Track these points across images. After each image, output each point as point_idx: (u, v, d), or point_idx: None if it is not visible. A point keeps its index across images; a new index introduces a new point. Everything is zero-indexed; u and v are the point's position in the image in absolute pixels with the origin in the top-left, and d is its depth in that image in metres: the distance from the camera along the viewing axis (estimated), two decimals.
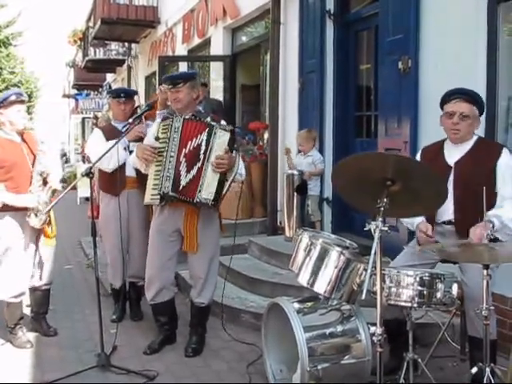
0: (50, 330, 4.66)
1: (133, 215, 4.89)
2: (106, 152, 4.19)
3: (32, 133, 4.62)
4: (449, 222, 3.51)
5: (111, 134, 4.87)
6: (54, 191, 4.36)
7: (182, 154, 4.00)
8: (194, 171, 3.98)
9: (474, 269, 3.10)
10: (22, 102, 4.39)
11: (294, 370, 3.41)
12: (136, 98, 5.30)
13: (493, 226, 3.22)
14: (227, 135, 3.99)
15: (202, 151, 3.98)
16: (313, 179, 6.39)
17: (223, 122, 4.12)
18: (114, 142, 4.34)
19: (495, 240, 3.09)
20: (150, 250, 4.34)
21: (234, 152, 4.03)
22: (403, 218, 3.69)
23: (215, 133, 3.98)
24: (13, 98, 4.31)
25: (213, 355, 4.29)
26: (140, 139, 4.65)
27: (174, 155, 4.00)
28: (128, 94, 5.11)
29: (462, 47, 4.54)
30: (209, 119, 4.12)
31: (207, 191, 3.94)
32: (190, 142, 4.00)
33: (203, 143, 3.98)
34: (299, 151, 6.61)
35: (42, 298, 4.67)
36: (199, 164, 3.98)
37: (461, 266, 3.43)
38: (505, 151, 3.42)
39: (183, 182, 3.98)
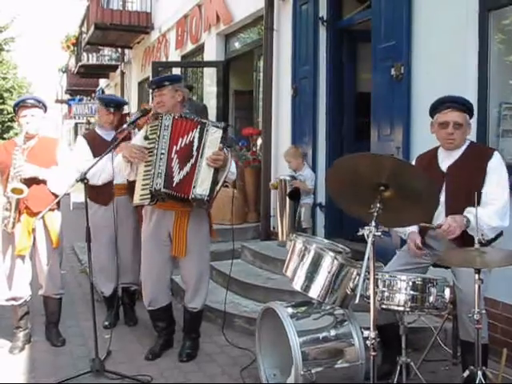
0: (59, 339, 4.62)
1: (122, 222, 4.83)
2: (94, 164, 4.08)
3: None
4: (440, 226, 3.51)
5: (95, 142, 4.86)
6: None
7: (174, 150, 3.95)
8: (187, 168, 3.93)
9: (467, 273, 3.12)
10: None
11: (287, 374, 3.42)
12: (126, 106, 5.27)
13: (468, 222, 3.27)
14: (219, 132, 3.98)
15: (194, 148, 3.95)
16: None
17: (213, 120, 4.08)
18: (104, 158, 4.24)
19: (486, 244, 3.12)
20: (143, 256, 4.32)
21: (226, 149, 4.02)
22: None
23: (207, 130, 3.96)
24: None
25: (207, 360, 4.30)
26: None
27: (165, 152, 3.93)
28: (118, 105, 5.07)
29: (454, 54, 4.58)
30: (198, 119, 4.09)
31: (202, 187, 3.89)
32: (181, 139, 3.96)
33: (195, 140, 3.96)
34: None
35: (50, 308, 4.66)
36: (192, 161, 3.94)
37: (453, 270, 3.46)
38: (496, 154, 3.47)
39: (176, 179, 3.91)
